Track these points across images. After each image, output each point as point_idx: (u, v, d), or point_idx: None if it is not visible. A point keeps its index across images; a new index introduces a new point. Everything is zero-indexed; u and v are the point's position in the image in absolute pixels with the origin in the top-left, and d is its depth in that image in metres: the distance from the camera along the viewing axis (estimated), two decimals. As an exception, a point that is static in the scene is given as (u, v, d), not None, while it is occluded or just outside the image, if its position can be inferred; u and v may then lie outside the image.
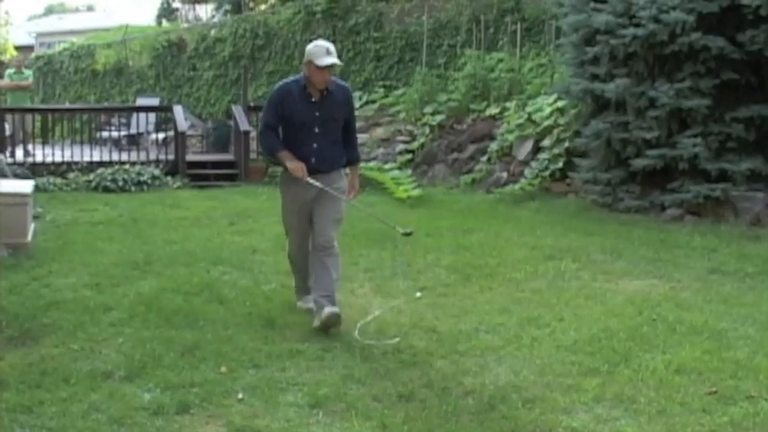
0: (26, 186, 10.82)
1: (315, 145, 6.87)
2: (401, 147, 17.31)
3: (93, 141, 19.11)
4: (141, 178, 16.27)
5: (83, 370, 5.93)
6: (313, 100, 6.84)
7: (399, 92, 19.18)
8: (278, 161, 7.07)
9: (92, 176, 16.23)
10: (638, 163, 12.01)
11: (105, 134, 20.75)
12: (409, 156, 17.02)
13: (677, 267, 8.97)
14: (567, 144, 13.87)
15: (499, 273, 8.71)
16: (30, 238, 10.08)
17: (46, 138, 19.12)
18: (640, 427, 4.95)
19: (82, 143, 18.47)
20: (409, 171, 15.73)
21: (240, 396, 5.42)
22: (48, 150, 17.70)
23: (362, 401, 5.32)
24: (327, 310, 6.62)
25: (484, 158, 15.54)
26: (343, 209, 7.04)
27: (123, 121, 21.79)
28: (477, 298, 7.72)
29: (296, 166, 6.79)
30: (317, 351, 6.30)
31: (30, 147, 18.49)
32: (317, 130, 6.85)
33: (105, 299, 7.75)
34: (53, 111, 21.45)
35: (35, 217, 11.49)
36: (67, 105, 23.68)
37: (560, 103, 14.32)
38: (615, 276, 8.57)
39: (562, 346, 6.39)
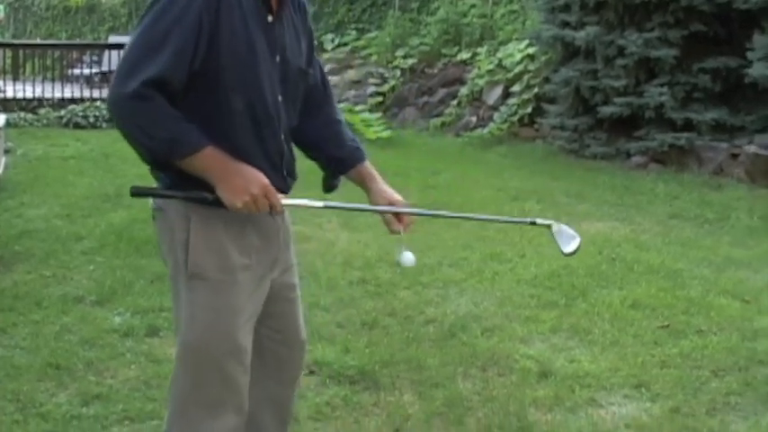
0: (-6, 118, 10.83)
1: (282, 136, 3.00)
2: (372, 89, 17.37)
3: (65, 78, 19.02)
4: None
5: (54, 295, 6.06)
6: (269, 20, 2.92)
7: (372, 35, 19.19)
8: (181, 177, 2.83)
9: (63, 113, 16.17)
10: (606, 110, 12.17)
11: (77, 71, 20.66)
12: (380, 98, 17.08)
13: (639, 212, 9.18)
14: (536, 90, 14.00)
15: (465, 211, 8.85)
16: (1, 170, 10.11)
17: (16, 74, 19.03)
18: (594, 357, 5.16)
19: (53, 80, 18.39)
20: (379, 113, 15.81)
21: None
22: (18, 86, 17.62)
23: (327, 328, 5.49)
24: None
25: (454, 102, 15.65)
26: None
27: (95, 58, 21.67)
28: (442, 234, 7.88)
29: (261, 183, 2.80)
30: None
31: (0, 82, 18.41)
32: (280, 97, 2.96)
33: (77, 229, 7.86)
34: (24, 47, 21.33)
35: (6, 151, 11.51)
36: (39, 41, 23.52)
37: (531, 50, 14.44)
38: (578, 218, 8.75)
39: (522, 280, 6.59)
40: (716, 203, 9.57)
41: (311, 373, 4.84)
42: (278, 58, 2.91)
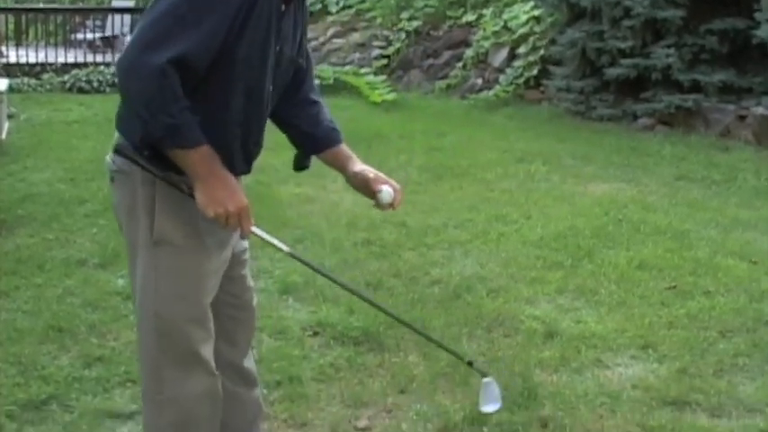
0: (0, 84, 10.77)
1: (264, 126, 2.99)
2: (377, 52, 17.23)
3: (68, 43, 18.93)
4: (116, 80, 16.15)
5: (57, 258, 6.04)
6: (282, 9, 2.81)
7: (377, -3, 19.04)
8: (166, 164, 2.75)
9: (66, 78, 16.07)
10: (612, 72, 12.06)
11: (80, 36, 20.55)
12: (384, 61, 16.95)
13: (646, 173, 9.11)
14: (542, 52, 13.87)
15: (470, 173, 8.83)
16: (4, 135, 10.07)
17: (19, 40, 18.93)
18: (600, 317, 5.12)
19: (56, 45, 18.30)
20: (384, 76, 15.71)
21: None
22: (21, 52, 17.52)
23: (331, 289, 5.43)
24: None
25: (459, 65, 15.53)
26: None
27: (98, 23, 21.55)
28: (448, 196, 7.84)
29: (239, 204, 2.73)
30: (288, 242, 6.39)
31: (2, 48, 18.31)
32: (271, 86, 2.88)
33: (80, 192, 7.82)
34: (27, 11, 21.20)
35: (9, 116, 11.47)
36: (41, 6, 23.40)
37: (536, 12, 14.28)
38: (584, 180, 8.71)
39: (528, 241, 6.55)
40: (723, 165, 9.49)
41: (315, 334, 4.84)
42: (278, 48, 2.82)
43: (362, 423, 3.87)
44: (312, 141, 3.14)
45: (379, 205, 3.06)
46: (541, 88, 13.88)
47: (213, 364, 2.96)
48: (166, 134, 2.59)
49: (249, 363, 3.31)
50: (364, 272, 5.81)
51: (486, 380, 3.33)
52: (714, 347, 4.70)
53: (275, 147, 3.43)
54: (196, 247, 2.83)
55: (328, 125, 3.14)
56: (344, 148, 3.15)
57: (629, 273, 5.84)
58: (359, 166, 3.12)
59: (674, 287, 5.60)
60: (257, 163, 2.98)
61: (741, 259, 6.18)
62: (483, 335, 4.84)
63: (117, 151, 2.80)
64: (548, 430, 3.79)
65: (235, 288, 3.12)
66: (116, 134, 2.85)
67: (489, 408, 3.33)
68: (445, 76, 15.70)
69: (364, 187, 3.09)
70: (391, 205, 3.06)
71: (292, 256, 3.10)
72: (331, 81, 14.91)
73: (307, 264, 3.25)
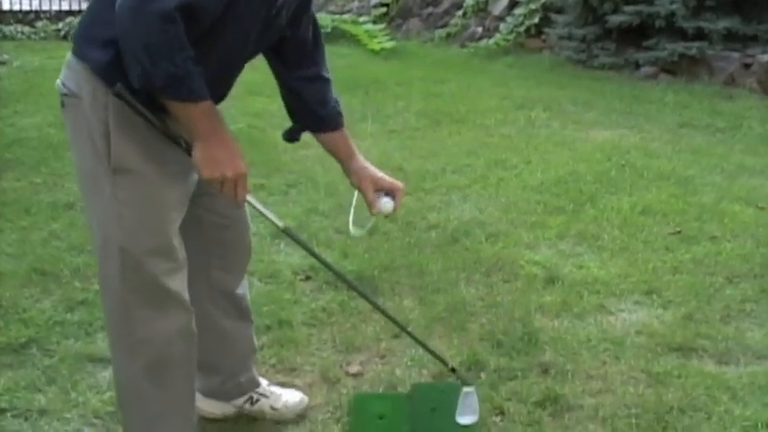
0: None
1: (227, 84, 2.81)
2: (375, 0, 17.00)
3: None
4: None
5: (44, 201, 5.87)
6: None
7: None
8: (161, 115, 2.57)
9: (61, 25, 15.83)
10: (615, 19, 11.81)
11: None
12: (383, 9, 16.71)
13: (648, 120, 8.91)
14: (543, 0, 13.65)
15: (469, 119, 8.64)
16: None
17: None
18: (603, 263, 4.95)
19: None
20: (383, 25, 15.47)
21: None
22: (15, -1, 17.28)
23: (325, 233, 5.29)
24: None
25: (459, 13, 15.29)
26: None
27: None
28: (446, 141, 7.66)
29: (238, 171, 2.57)
30: (282, 186, 6.27)
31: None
32: (251, 49, 2.73)
33: (69, 136, 7.63)
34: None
35: (1, 63, 11.28)
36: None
37: (539, -42, 14.06)
38: (586, 126, 8.52)
39: (528, 186, 6.37)
40: (727, 113, 9.28)
41: (307, 278, 4.67)
42: (273, 12, 2.61)
43: (354, 368, 3.70)
44: (314, 120, 3.02)
45: (375, 210, 3.02)
46: (542, 36, 13.66)
47: (187, 297, 2.76)
48: (167, 84, 2.37)
49: (243, 290, 3.19)
50: (359, 216, 5.62)
51: (466, 389, 3.15)
52: (721, 293, 4.53)
53: (271, 93, 3.27)
54: (158, 174, 2.61)
55: (334, 107, 3.02)
56: (345, 135, 3.04)
57: (633, 218, 5.67)
58: (360, 162, 3.04)
59: (679, 232, 5.43)
60: (253, 108, 2.82)
61: (747, 205, 6.01)
62: (481, 279, 4.67)
63: (69, 71, 2.61)
64: (549, 376, 3.63)
65: (217, 205, 2.94)
66: (69, 55, 2.63)
67: (466, 420, 3.12)
68: (445, 25, 15.47)
69: (364, 188, 3.04)
70: (392, 212, 3.06)
71: (287, 232, 2.89)
72: (329, 29, 14.66)
73: (300, 243, 3.02)
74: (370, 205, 3.08)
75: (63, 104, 2.65)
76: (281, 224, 2.84)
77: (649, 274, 4.75)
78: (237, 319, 3.19)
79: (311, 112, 3.00)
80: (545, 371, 3.67)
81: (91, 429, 3.23)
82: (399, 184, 3.07)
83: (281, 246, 5.10)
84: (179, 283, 2.73)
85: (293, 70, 2.96)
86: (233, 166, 2.53)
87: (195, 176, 2.73)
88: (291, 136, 3.14)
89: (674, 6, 11.26)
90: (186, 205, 2.76)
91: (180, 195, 2.71)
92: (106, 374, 3.53)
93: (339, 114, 3.03)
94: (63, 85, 2.63)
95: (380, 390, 3.54)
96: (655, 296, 4.49)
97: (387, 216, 3.06)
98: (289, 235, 2.93)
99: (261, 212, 2.76)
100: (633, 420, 3.29)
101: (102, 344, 3.81)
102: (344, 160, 3.06)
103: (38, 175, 6.46)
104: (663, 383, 3.59)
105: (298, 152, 6.91)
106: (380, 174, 3.06)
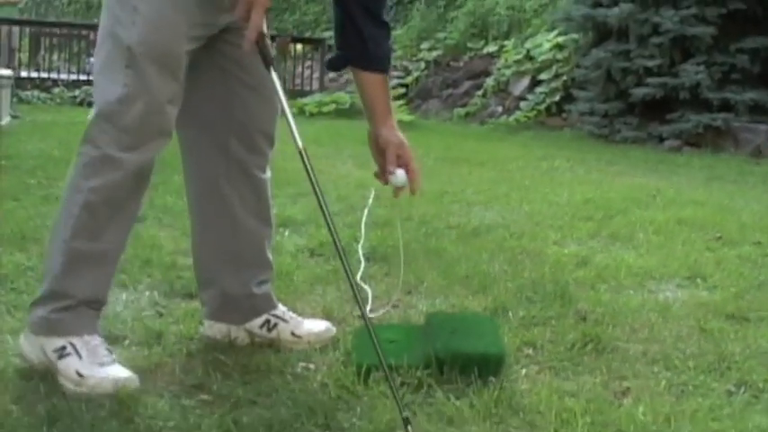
0: (4, 71, 10.47)
1: None
2: (395, 81, 16.73)
3: (82, 68, 18.50)
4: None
5: (36, 195, 5.48)
6: None
7: (397, 32, 18.62)
8: None
9: (77, 92, 15.68)
10: (638, 92, 11.50)
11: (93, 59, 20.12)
12: (403, 90, 16.47)
13: (676, 174, 8.52)
14: (564, 78, 13.41)
15: (489, 163, 8.31)
16: (4, 122, 9.74)
17: (36, 64, 18.56)
18: (639, 255, 4.46)
19: (68, 61, 17.97)
20: (402, 101, 15.23)
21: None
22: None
23: (338, 218, 4.87)
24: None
25: (479, 93, 15.06)
26: None
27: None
28: (466, 177, 7.28)
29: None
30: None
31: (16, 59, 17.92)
32: None
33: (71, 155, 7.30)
34: (41, 24, 20.98)
35: (13, 116, 11.07)
36: (56, 20, 23.01)
37: (560, 39, 13.87)
38: (610, 176, 8.10)
39: (554, 203, 5.97)
40: (757, 173, 8.88)
41: (313, 254, 4.25)
42: None
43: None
44: (365, 56, 2.80)
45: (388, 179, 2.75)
46: (563, 115, 13.38)
47: (172, 119, 2.60)
48: None
49: (266, 185, 2.91)
50: (372, 218, 5.20)
51: None
52: (769, 284, 4.05)
53: None
54: None
55: (387, 51, 2.86)
56: (387, 85, 2.85)
57: (669, 226, 5.21)
58: (393, 126, 2.80)
59: (720, 237, 4.97)
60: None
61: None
62: (506, 259, 4.22)
63: None
64: (587, 323, 3.16)
65: (245, 60, 2.71)
66: None
67: None
68: (464, 105, 15.21)
69: (388, 155, 2.77)
70: (402, 189, 2.78)
71: (303, 154, 2.47)
72: (347, 106, 14.49)
73: (309, 173, 2.49)
74: (383, 173, 2.77)
75: None
76: (300, 143, 2.47)
77: (691, 264, 4.29)
78: (254, 213, 2.85)
79: (365, 48, 2.78)
80: (582, 318, 3.22)
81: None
82: (417, 166, 2.82)
83: (286, 234, 4.68)
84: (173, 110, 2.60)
85: (366, 8, 2.75)
86: None
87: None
88: (334, 63, 2.90)
89: (699, 77, 10.99)
90: (203, 36, 2.64)
91: (200, 17, 2.59)
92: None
93: (387, 59, 2.86)
94: None
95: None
96: (699, 280, 4.03)
97: (399, 190, 2.75)
98: (303, 162, 2.48)
99: (277, 91, 2.56)
100: (690, 362, 2.83)
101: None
102: (379, 114, 2.79)
103: (32, 177, 6.21)
104: (720, 336, 3.13)
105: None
106: (408, 150, 2.80)
